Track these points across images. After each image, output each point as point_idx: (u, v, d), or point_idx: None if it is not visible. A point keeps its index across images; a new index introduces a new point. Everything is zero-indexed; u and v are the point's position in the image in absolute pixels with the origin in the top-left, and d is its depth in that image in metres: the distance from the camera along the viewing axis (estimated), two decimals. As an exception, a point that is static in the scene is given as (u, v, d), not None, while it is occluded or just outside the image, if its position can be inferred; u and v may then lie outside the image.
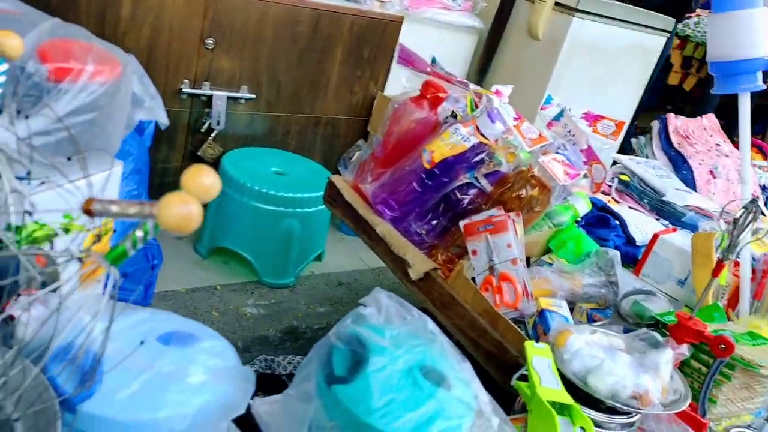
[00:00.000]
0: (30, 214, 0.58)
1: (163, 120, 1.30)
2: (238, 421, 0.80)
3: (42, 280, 0.60)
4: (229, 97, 2.36)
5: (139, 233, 0.46)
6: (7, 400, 0.58)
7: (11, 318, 0.65)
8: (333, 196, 1.74)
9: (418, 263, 1.46)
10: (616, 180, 2.03)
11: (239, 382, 0.78)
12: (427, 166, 1.49)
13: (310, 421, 0.73)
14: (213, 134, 2.39)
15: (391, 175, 1.60)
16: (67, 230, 0.69)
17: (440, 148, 1.48)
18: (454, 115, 1.57)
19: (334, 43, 2.51)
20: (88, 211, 0.43)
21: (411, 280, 1.46)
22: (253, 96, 2.42)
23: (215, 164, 2.38)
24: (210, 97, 2.32)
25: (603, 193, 1.95)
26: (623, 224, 1.72)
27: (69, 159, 0.55)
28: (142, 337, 0.79)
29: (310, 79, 2.54)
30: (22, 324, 0.63)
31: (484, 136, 1.47)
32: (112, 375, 0.70)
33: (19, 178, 0.60)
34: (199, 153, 2.41)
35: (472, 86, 1.72)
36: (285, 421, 0.74)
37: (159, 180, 2.32)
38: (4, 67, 0.56)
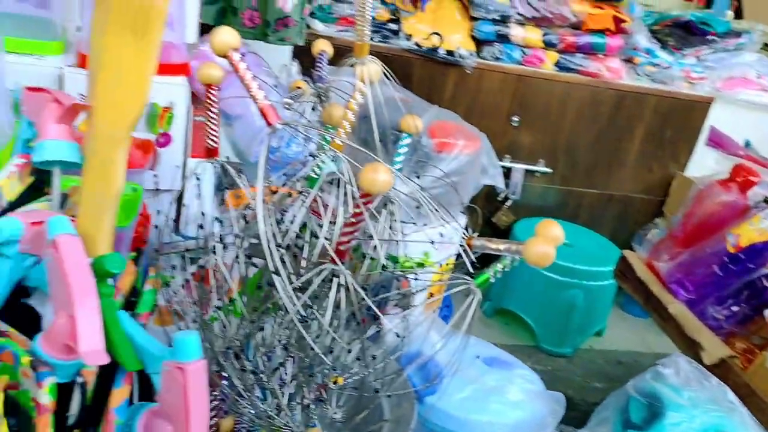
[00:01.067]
0: (403, 246, 0.79)
1: (502, 186, 1.51)
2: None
3: (405, 300, 0.81)
4: (526, 170, 2.55)
5: (499, 266, 0.61)
6: (377, 382, 0.78)
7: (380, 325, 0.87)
8: (624, 271, 1.78)
9: (713, 348, 1.42)
10: None
11: (551, 405, 0.89)
12: (732, 251, 1.46)
13: (606, 458, 0.81)
14: (508, 203, 2.59)
15: (690, 256, 1.59)
16: (422, 264, 0.90)
17: (748, 233, 1.44)
18: (766, 201, 1.52)
19: (635, 122, 2.55)
20: (469, 245, 0.60)
21: (703, 364, 1.43)
22: (549, 170, 2.57)
23: (507, 231, 2.56)
24: (509, 169, 2.53)
25: None
26: None
27: (437, 210, 0.74)
28: (472, 356, 0.96)
29: (607, 157, 2.60)
30: (389, 331, 0.84)
31: (802, 224, 1.39)
32: (450, 381, 0.88)
33: (403, 222, 0.82)
34: (493, 219, 2.62)
35: (791, 172, 1.63)
36: (581, 456, 0.83)
37: (456, 240, 2.58)
38: (408, 141, 0.79)
